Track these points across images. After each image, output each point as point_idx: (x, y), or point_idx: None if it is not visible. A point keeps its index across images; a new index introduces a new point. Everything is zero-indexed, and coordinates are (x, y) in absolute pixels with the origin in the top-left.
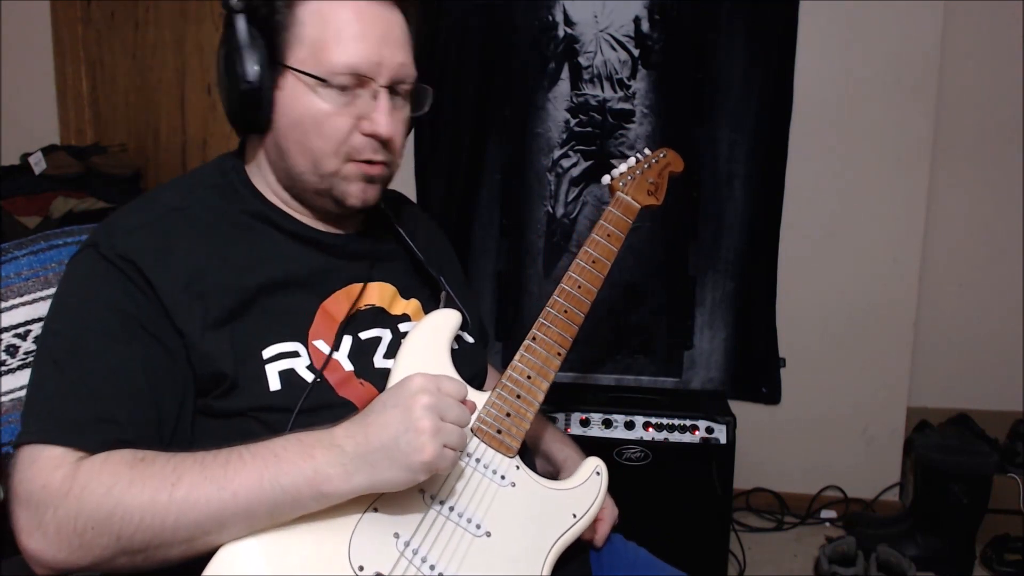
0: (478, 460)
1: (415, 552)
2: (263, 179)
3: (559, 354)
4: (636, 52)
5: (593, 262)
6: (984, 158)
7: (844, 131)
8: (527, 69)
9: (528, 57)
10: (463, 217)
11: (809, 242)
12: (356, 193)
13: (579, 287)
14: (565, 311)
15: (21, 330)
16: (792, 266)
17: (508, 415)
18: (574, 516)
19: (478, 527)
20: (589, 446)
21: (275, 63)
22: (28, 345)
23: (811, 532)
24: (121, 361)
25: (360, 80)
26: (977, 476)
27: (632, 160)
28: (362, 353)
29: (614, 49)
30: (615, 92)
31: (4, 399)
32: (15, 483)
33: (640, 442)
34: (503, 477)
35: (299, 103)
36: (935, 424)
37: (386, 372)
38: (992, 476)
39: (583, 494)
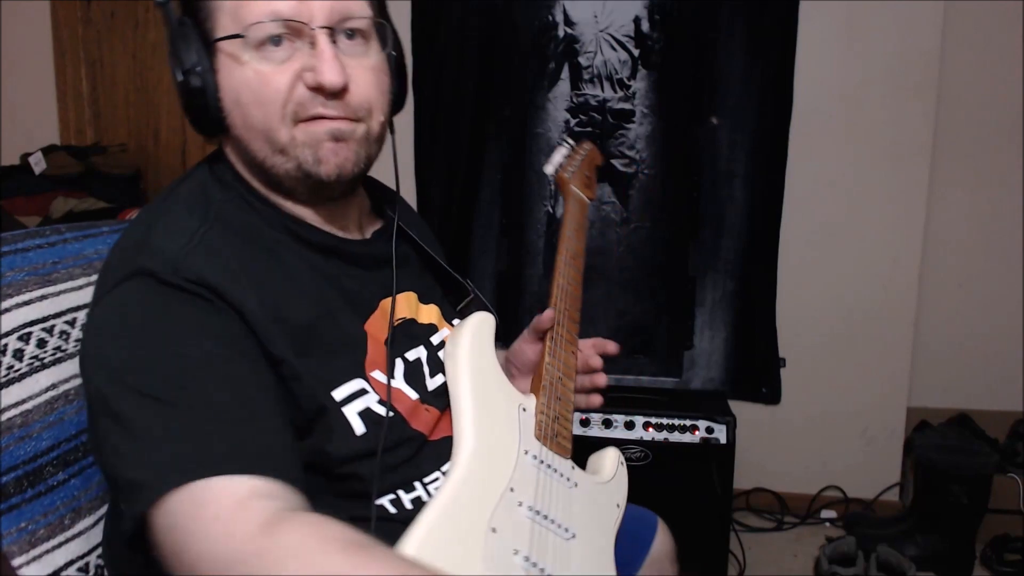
0: (549, 466)
1: (535, 565)
2: (255, 185)
3: (574, 352)
4: (636, 52)
5: (572, 257)
6: (984, 158)
7: (844, 131)
8: (527, 69)
9: (528, 57)
10: (463, 217)
11: (809, 242)
12: (327, 157)
13: (569, 283)
14: (564, 310)
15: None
16: (792, 266)
17: (555, 419)
18: (618, 506)
19: (567, 531)
20: (589, 446)
21: (207, 45)
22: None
23: (811, 532)
24: (241, 384)
25: (292, 27)
26: (977, 476)
27: (564, 150)
28: (415, 376)
29: (614, 49)
30: (615, 92)
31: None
32: (171, 542)
33: (640, 442)
34: (568, 479)
35: (234, 76)
36: (935, 424)
37: (439, 391)
38: (992, 476)
39: (618, 484)
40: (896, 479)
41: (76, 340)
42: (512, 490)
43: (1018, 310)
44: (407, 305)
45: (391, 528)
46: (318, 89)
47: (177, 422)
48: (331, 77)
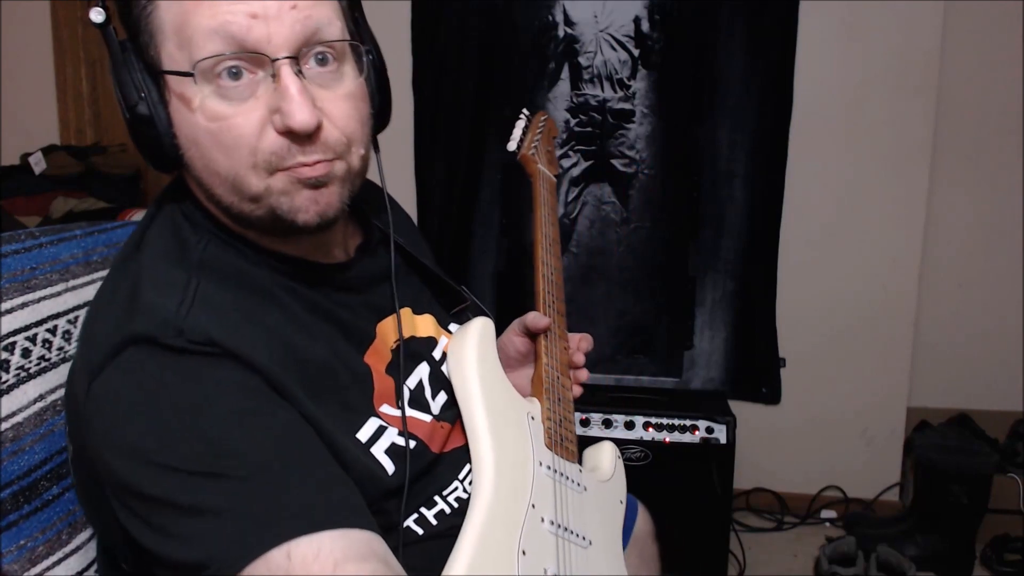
0: (562, 475)
1: None
2: (227, 223)
3: (566, 348)
4: (636, 52)
5: (551, 243)
6: (984, 158)
7: (844, 131)
8: (527, 69)
9: (528, 57)
10: (463, 217)
11: (809, 242)
12: (305, 207)
13: (552, 272)
14: (552, 303)
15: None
16: (792, 266)
17: (560, 423)
18: (621, 503)
19: (584, 539)
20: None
21: (155, 73)
22: None
23: (811, 532)
24: (285, 434)
25: (253, 59)
26: (977, 476)
27: (522, 123)
28: (419, 400)
29: (614, 49)
30: (615, 92)
31: None
32: None
33: (640, 442)
34: (579, 484)
35: (189, 116)
36: (935, 424)
37: (445, 406)
38: (992, 476)
39: (618, 480)
40: (896, 479)
41: (58, 348)
42: (534, 506)
43: (1018, 310)
44: (404, 323)
45: (422, 548)
46: (289, 133)
47: (228, 490)
48: (301, 118)
